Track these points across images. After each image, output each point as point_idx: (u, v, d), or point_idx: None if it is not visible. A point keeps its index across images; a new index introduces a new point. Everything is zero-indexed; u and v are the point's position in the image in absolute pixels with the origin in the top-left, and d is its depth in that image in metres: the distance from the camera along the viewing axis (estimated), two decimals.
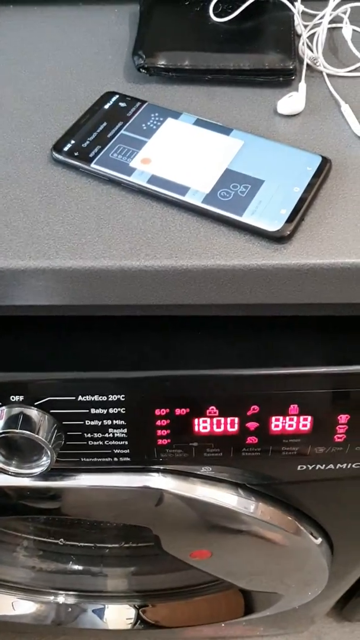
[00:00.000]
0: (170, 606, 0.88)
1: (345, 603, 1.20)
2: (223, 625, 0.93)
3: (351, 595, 1.15)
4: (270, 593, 0.77)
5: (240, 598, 0.85)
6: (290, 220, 0.38)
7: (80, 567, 0.89)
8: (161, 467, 0.53)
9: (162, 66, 0.48)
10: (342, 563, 0.74)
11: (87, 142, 0.43)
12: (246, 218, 0.39)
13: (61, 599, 0.88)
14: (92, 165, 0.42)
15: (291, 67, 0.48)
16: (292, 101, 0.46)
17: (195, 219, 0.40)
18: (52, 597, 0.89)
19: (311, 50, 0.51)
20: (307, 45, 0.51)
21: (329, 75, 0.49)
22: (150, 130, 0.44)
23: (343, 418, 0.46)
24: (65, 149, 0.43)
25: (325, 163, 0.42)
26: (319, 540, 0.65)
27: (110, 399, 0.45)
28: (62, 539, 0.89)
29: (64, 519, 0.86)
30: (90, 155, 0.42)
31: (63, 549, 0.89)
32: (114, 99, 0.47)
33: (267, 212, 0.39)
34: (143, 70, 0.49)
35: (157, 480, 0.53)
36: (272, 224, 0.38)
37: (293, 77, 0.48)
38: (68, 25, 0.54)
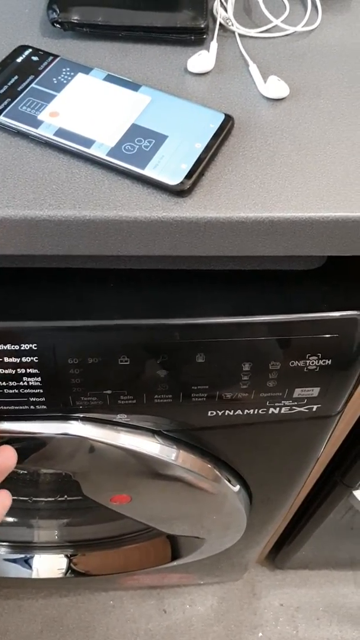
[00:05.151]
0: (100, 555, 0.92)
1: (276, 552, 1.27)
2: (161, 573, 0.97)
3: (282, 545, 1.22)
4: (193, 538, 0.81)
5: (167, 544, 0.89)
6: (190, 175, 0.40)
7: (15, 519, 0.91)
8: (81, 415, 0.55)
9: (76, 21, 0.49)
10: (262, 510, 0.78)
11: None
12: (148, 171, 0.40)
13: None
14: (1, 117, 0.42)
15: (202, 26, 0.49)
16: (201, 60, 0.47)
17: (100, 171, 0.41)
18: None
19: (225, 10, 0.52)
20: (222, 5, 0.52)
21: (240, 35, 0.51)
22: (60, 84, 0.45)
23: (247, 366, 0.49)
24: None
25: (227, 121, 0.44)
26: (237, 487, 0.68)
27: (22, 348, 0.47)
28: None
29: None
30: None
31: None
32: (26, 52, 0.47)
33: (169, 166, 0.41)
34: (57, 25, 0.49)
35: (76, 428, 0.55)
36: (173, 178, 0.40)
37: (205, 36, 0.50)
38: None
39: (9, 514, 0.92)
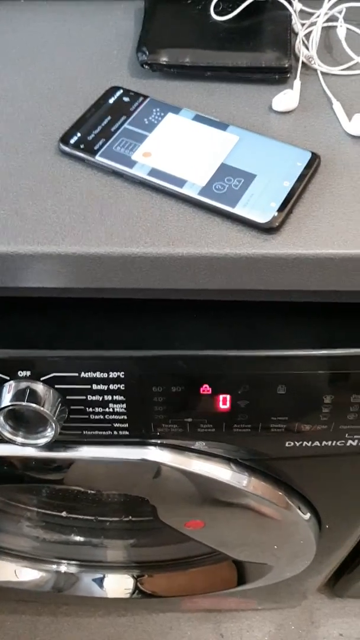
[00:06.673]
0: (167, 577, 0.93)
1: (336, 580, 1.24)
2: (219, 597, 0.97)
3: (342, 573, 1.19)
4: (261, 564, 0.81)
5: (234, 569, 0.89)
6: (279, 212, 0.41)
7: (81, 539, 0.93)
8: (158, 441, 0.56)
9: (165, 62, 0.51)
10: (330, 538, 0.77)
11: (93, 135, 0.46)
12: (238, 210, 0.42)
13: (63, 568, 0.92)
14: (97, 157, 0.45)
15: (286, 65, 0.50)
16: (286, 98, 0.49)
17: (192, 209, 0.43)
18: (54, 566, 0.93)
19: (307, 48, 0.53)
20: (304, 43, 0.53)
21: (323, 73, 0.52)
22: (151, 124, 0.47)
23: (327, 398, 0.50)
24: (72, 141, 0.46)
25: (314, 159, 0.45)
26: (307, 515, 0.68)
27: (110, 376, 0.49)
28: (65, 512, 0.93)
29: (67, 493, 0.90)
30: (95, 147, 0.45)
31: (66, 521, 0.93)
32: (118, 93, 0.50)
33: (258, 204, 0.42)
34: (146, 66, 0.51)
35: (154, 454, 0.56)
36: (263, 216, 0.41)
37: (288, 75, 0.51)
38: (75, 21, 0.57)
39: (76, 533, 0.94)
